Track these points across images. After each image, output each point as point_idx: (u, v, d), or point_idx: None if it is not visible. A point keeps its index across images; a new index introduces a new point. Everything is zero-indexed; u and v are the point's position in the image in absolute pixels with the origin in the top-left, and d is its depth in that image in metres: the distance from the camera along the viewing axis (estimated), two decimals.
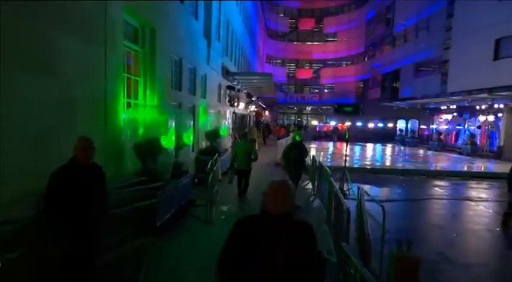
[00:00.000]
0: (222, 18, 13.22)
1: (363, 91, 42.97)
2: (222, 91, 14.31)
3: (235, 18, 17.35)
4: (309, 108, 47.65)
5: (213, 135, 10.72)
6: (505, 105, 19.04)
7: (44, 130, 3.74)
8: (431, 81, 26.45)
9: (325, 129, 38.52)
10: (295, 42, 46.96)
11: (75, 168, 3.12)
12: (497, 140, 20.37)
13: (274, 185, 2.02)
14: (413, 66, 29.56)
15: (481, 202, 8.96)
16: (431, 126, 28.00)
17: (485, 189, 11.02)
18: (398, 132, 31.56)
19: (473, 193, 10.12)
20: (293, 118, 48.70)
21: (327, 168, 7.34)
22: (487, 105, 19.92)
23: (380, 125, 34.21)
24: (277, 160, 14.31)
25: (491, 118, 19.47)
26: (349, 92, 44.47)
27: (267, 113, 45.06)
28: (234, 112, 15.35)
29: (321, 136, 36.02)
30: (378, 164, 14.96)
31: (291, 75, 48.02)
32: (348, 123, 34.84)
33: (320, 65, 47.14)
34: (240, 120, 19.69)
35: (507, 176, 6.99)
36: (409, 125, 29.83)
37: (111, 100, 5.21)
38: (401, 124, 31.68)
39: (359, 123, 33.90)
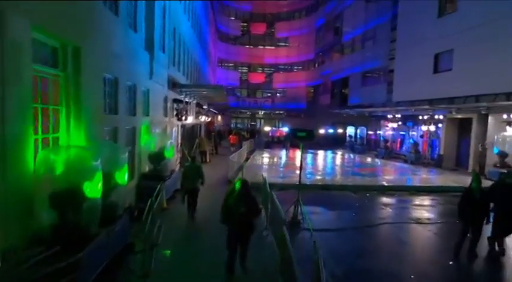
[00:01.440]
0: (167, 26, 12.22)
1: (314, 97, 43.86)
2: (169, 104, 13.28)
3: (183, 24, 16.35)
4: (262, 113, 47.60)
5: (157, 157, 9.74)
6: (445, 116, 20.16)
7: None
8: (378, 90, 27.49)
9: (277, 134, 38.60)
10: (247, 46, 46.61)
11: None
12: (438, 148, 21.56)
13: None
14: (361, 75, 30.56)
15: (429, 225, 9.00)
16: (378, 132, 29.11)
17: (431, 206, 11.29)
18: (348, 138, 32.52)
19: (422, 213, 10.23)
20: (246, 122, 48.32)
21: (277, 204, 6.83)
22: (428, 116, 20.99)
23: (330, 130, 34.98)
24: (229, 177, 13.65)
25: (432, 128, 20.51)
26: (300, 97, 45.14)
27: (219, 117, 44.17)
28: (182, 126, 14.37)
29: (274, 141, 36.03)
30: (330, 178, 14.88)
31: (243, 79, 47.59)
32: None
33: (272, 69, 47.30)
34: (190, 132, 18.67)
35: (458, 203, 6.95)
36: (358, 132, 30.79)
37: (14, 139, 4.16)
38: (350, 130, 32.71)
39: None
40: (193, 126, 19.55)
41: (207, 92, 15.88)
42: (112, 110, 7.46)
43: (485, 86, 16.86)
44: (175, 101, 13.20)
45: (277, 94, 48.02)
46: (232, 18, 46.27)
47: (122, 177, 5.90)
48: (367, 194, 12.29)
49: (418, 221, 9.21)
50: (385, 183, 13.77)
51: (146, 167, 9.91)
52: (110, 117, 7.24)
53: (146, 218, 6.28)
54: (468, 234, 6.78)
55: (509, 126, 15.23)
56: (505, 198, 6.75)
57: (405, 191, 12.91)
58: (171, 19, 13.30)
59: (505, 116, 15.53)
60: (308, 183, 12.95)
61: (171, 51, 13.77)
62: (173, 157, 10.56)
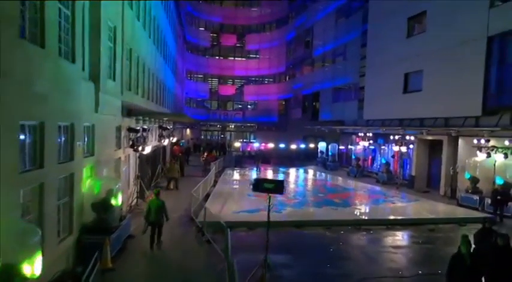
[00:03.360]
0: (120, 49, 10.88)
1: (286, 110, 43.33)
2: (123, 133, 11.87)
3: (142, 43, 15.01)
4: (233, 126, 46.46)
5: (102, 206, 8.35)
6: (415, 136, 19.95)
7: None
8: (349, 106, 27.20)
9: (248, 149, 37.60)
10: (217, 57, 45.50)
11: None
12: (409, 167, 21.33)
13: None
14: (332, 91, 30.25)
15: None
16: (349, 146, 28.79)
17: (409, 248, 10.60)
18: (319, 154, 32.07)
19: (401, 260, 9.44)
20: (217, 135, 46.95)
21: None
22: (399, 136, 20.73)
23: (302, 145, 34.41)
24: (192, 213, 12.38)
25: (403, 149, 20.23)
26: (272, 110, 44.50)
27: (187, 131, 42.63)
28: (139, 156, 12.98)
29: (245, 156, 34.96)
30: (302, 210, 13.93)
31: (213, 90, 46.34)
32: (271, 145, 34.56)
33: (243, 81, 46.43)
34: (152, 157, 17.19)
35: (446, 273, 6.13)
36: (329, 148, 30.36)
37: None
38: (322, 145, 32.30)
39: (282, 145, 33.62)
40: (155, 151, 18.08)
41: (168, 118, 14.63)
42: (35, 164, 6.07)
43: (455, 108, 16.73)
44: (130, 130, 11.81)
45: (248, 106, 47.15)
46: (202, 29, 45.09)
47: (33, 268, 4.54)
48: (342, 232, 11.42)
49: (400, 275, 8.32)
50: (359, 216, 13.02)
51: (89, 217, 8.47)
52: (30, 175, 5.85)
53: None
54: None
55: (480, 151, 14.99)
56: (499, 262, 6.00)
57: (381, 225, 12.18)
58: (127, 40, 11.97)
59: (475, 141, 15.32)
60: (278, 219, 11.88)
61: (126, 76, 12.40)
62: (121, 204, 9.17)
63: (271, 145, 33.84)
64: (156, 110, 19.14)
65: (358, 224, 12.10)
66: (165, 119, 14.20)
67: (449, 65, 17.00)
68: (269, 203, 7.01)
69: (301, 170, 27.99)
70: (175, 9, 29.02)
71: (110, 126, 10.24)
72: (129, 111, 11.75)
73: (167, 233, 10.16)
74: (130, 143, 11.91)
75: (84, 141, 8.44)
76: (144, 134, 12.74)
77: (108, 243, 7.80)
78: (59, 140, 7.00)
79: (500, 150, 14.40)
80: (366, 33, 24.16)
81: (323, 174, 25.79)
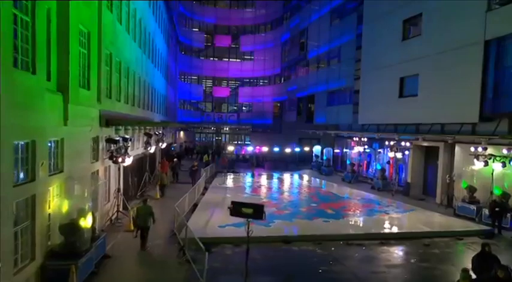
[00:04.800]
0: (96, 55, 10.23)
1: (280, 112, 42.74)
2: (102, 145, 11.20)
3: (125, 47, 14.35)
4: (227, 128, 45.79)
5: (70, 228, 7.69)
6: (411, 142, 19.38)
7: None
8: (344, 110, 26.59)
9: (243, 152, 36.99)
10: (211, 59, 44.80)
11: None
12: (405, 173, 20.76)
13: None
14: (327, 94, 29.65)
15: None
16: (344, 150, 28.20)
17: (403, 266, 9.99)
18: (314, 158, 31.52)
19: None
20: (212, 137, 46.24)
21: None
22: (395, 141, 20.15)
23: (297, 149, 33.84)
24: (175, 229, 11.71)
25: (399, 155, 19.67)
26: (267, 112, 43.89)
27: (181, 134, 41.96)
28: (123, 167, 12.31)
29: (239, 159, 34.36)
30: (292, 221, 13.31)
31: (207, 92, 45.63)
32: (265, 148, 33.93)
33: (238, 83, 45.77)
34: (137, 168, 16.53)
35: None
36: (324, 152, 29.81)
37: None
38: (317, 148, 31.78)
39: (276, 149, 33.03)
40: (142, 158, 17.42)
41: (150, 126, 13.98)
42: None
43: (451, 114, 16.16)
44: (108, 141, 11.14)
45: (243, 108, 46.52)
46: (196, 29, 44.37)
47: None
48: (333, 248, 10.80)
49: None
50: (351, 231, 12.42)
51: (57, 240, 7.81)
52: None
53: None
54: None
55: (477, 160, 14.43)
56: None
57: (374, 240, 11.58)
58: (105, 45, 11.31)
59: (472, 149, 14.75)
60: (266, 234, 11.27)
61: (106, 83, 11.74)
62: (94, 223, 8.49)
63: (265, 149, 33.22)
64: (142, 116, 18.50)
65: (350, 239, 11.50)
66: (147, 127, 13.56)
67: (445, 70, 16.43)
68: (248, 229, 6.37)
69: (295, 175, 27.40)
70: (166, 11, 28.34)
71: (83, 138, 9.58)
72: (107, 120, 11.07)
73: (150, 249, 10.27)
74: (109, 154, 11.22)
75: (51, 157, 7.79)
76: (126, 143, 12.05)
77: (75, 270, 7.15)
78: (14, 161, 6.33)
79: (498, 158, 13.82)
80: (361, 36, 23.58)
81: (317, 179, 25.19)
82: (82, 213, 7.99)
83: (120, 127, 12.02)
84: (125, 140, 11.98)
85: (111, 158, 11.23)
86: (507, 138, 13.57)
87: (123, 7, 13.72)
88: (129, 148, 14.19)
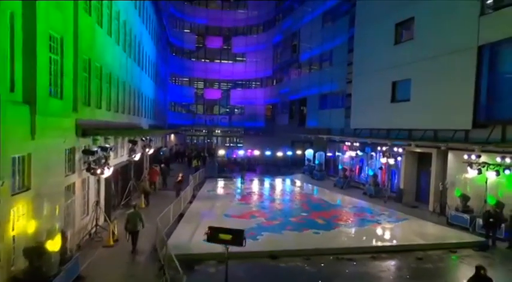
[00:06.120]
0: (71, 61, 9.61)
1: (272, 115, 42.28)
2: (78, 156, 10.59)
3: (107, 51, 13.72)
4: (219, 131, 45.20)
5: (35, 251, 7.08)
6: (404, 148, 19.01)
7: None
8: (336, 114, 26.21)
9: (234, 155, 36.38)
10: (202, 60, 44.18)
11: None
12: (397, 179, 20.38)
13: None
14: (319, 97, 29.25)
15: None
16: (337, 153, 27.78)
17: None
18: (306, 162, 31.12)
19: None
20: (203, 139, 45.57)
21: None
22: (387, 147, 19.77)
23: (289, 152, 33.38)
24: (157, 245, 11.11)
25: (391, 161, 19.28)
26: (259, 115, 43.48)
27: (172, 137, 41.27)
28: (98, 180, 11.68)
29: (231, 163, 33.76)
30: (281, 234, 12.79)
31: (199, 94, 45.00)
32: (257, 152, 33.38)
33: (230, 85, 45.21)
34: (121, 176, 15.89)
35: None
36: (316, 156, 29.40)
37: None
38: (309, 151, 31.40)
39: (268, 152, 32.52)
40: (126, 166, 16.77)
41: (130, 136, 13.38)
42: None
43: (444, 120, 15.80)
44: (85, 152, 10.53)
45: (235, 110, 45.98)
46: (187, 31, 43.72)
47: None
48: (322, 264, 10.32)
49: None
50: (342, 244, 11.93)
51: (21, 263, 7.20)
52: None
53: None
54: None
55: (471, 168, 14.06)
56: None
57: (365, 254, 11.11)
58: (83, 50, 10.70)
59: (466, 157, 14.39)
60: (253, 248, 10.71)
61: (84, 90, 11.13)
62: (62, 246, 7.87)
63: (257, 152, 32.69)
64: (127, 122, 17.87)
65: (341, 253, 11.02)
66: (127, 137, 12.96)
67: (438, 75, 16.09)
68: (226, 254, 5.84)
69: (287, 180, 26.91)
70: (154, 12, 27.69)
71: (56, 151, 8.96)
72: (85, 130, 10.46)
73: (129, 267, 9.91)
74: (86, 166, 10.61)
75: (16, 175, 7.18)
76: (106, 153, 11.43)
77: None
78: None
79: (492, 167, 13.48)
80: (353, 38, 23.19)
81: (309, 185, 24.71)
82: (51, 234, 7.39)
83: (99, 137, 11.38)
84: (104, 150, 11.36)
85: (88, 170, 10.61)
86: (501, 147, 13.22)
87: (103, 9, 13.09)
88: (112, 156, 13.68)
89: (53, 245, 7.28)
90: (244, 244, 5.74)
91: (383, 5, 19.99)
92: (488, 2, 14.34)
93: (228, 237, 5.65)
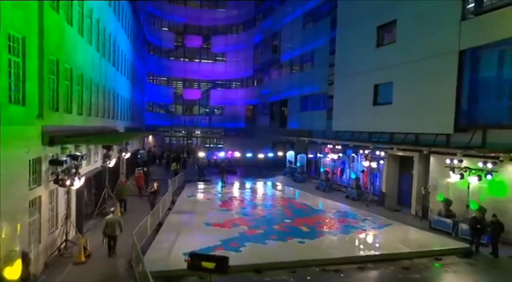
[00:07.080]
0: (35, 64, 8.75)
1: (253, 116, 41.81)
2: (45, 166, 9.71)
3: (77, 51, 12.79)
4: (199, 132, 44.28)
5: None
6: (386, 152, 18.97)
7: None
8: (317, 116, 26.02)
9: (214, 157, 35.66)
10: (181, 60, 43.05)
11: None
12: (380, 181, 20.33)
13: None
14: (300, 98, 28.99)
15: None
16: (318, 155, 27.59)
17: None
18: (288, 164, 30.85)
19: None
20: (182, 140, 44.49)
21: None
22: (369, 150, 19.69)
23: (270, 154, 33.02)
24: (132, 259, 10.39)
25: (374, 164, 19.21)
26: (239, 115, 42.88)
27: (150, 138, 40.04)
28: (67, 191, 10.79)
29: (210, 165, 33.01)
30: (264, 244, 12.29)
31: (177, 94, 43.85)
32: (238, 154, 32.80)
33: (209, 85, 44.31)
34: (95, 185, 14.97)
35: None
36: (298, 158, 29.16)
37: None
38: (290, 153, 31.17)
39: (249, 154, 32.03)
40: (101, 172, 15.82)
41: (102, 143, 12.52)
42: None
43: (426, 124, 15.77)
44: (52, 163, 9.66)
45: (215, 111, 45.14)
46: (165, 29, 42.48)
47: None
48: (308, 277, 9.91)
49: None
50: (327, 254, 11.58)
51: None
52: None
53: None
54: None
55: (453, 172, 14.07)
56: None
57: (352, 264, 10.80)
58: (50, 51, 9.82)
59: (448, 161, 14.39)
60: (236, 262, 10.12)
61: (51, 93, 10.24)
62: (25, 270, 7.08)
63: (238, 154, 32.12)
64: (101, 125, 16.90)
65: (327, 264, 10.66)
66: (100, 144, 12.11)
67: (420, 79, 16.06)
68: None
69: (268, 183, 26.47)
70: (131, 10, 26.57)
71: (17, 163, 8.08)
72: (52, 138, 9.59)
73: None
74: (54, 177, 9.74)
75: None
76: (76, 162, 10.58)
77: None
78: None
79: (473, 172, 13.50)
80: (335, 40, 23.00)
81: (291, 188, 24.35)
82: (10, 260, 6.58)
83: (68, 145, 10.51)
84: (74, 158, 10.51)
85: (56, 181, 9.75)
86: (483, 152, 13.27)
87: (74, 7, 12.16)
88: (84, 164, 12.80)
89: (13, 272, 6.49)
90: (228, 272, 5.20)
91: (365, 7, 19.86)
92: (469, 7, 14.39)
93: (211, 265, 5.10)
